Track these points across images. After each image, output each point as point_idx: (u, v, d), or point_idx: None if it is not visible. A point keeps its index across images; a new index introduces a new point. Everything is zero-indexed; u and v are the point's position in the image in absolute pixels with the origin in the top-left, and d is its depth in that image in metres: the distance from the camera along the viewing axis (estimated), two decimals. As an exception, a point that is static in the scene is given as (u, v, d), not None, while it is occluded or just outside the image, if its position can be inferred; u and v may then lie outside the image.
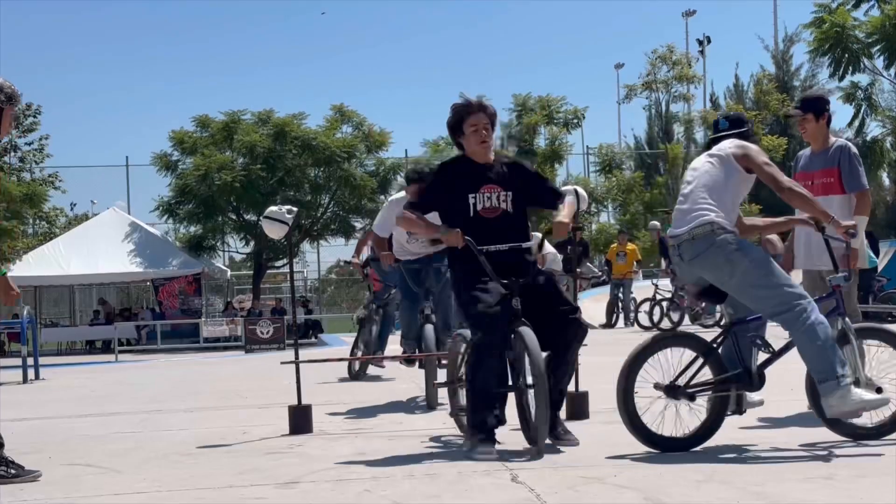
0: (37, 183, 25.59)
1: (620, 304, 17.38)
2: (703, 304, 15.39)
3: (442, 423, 5.64)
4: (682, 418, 4.52)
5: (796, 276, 5.17)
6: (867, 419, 4.53)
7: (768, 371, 4.63)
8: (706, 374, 4.55)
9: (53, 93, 74.50)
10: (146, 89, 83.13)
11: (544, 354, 4.54)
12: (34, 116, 25.97)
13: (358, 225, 27.37)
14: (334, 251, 40.59)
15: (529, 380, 4.55)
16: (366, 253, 9.26)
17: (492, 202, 4.82)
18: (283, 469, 4.36)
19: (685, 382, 4.52)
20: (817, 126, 5.66)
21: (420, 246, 6.81)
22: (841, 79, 22.22)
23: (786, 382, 7.09)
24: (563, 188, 5.32)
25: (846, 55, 21.45)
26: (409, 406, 6.36)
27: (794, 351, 4.46)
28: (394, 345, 8.36)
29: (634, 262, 17.74)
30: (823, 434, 4.69)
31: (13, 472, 4.30)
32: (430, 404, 6.45)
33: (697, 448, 4.47)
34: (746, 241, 4.71)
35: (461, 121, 4.94)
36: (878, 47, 21.50)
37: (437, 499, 3.66)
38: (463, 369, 5.04)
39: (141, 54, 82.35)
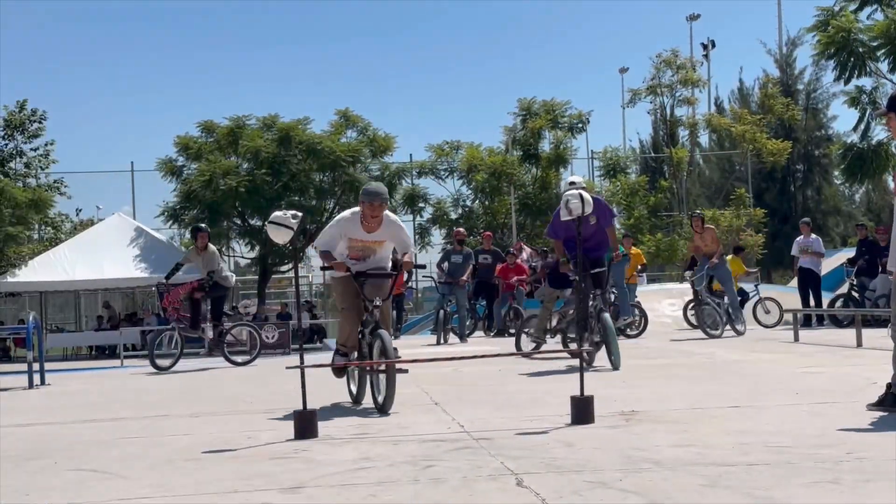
0: (42, 188, 25.63)
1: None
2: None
3: (447, 427, 5.64)
4: None
5: None
6: None
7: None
8: None
9: (59, 98, 74.69)
10: (151, 95, 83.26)
11: None
12: (39, 122, 26.03)
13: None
14: (339, 256, 40.55)
15: None
16: None
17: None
18: (289, 474, 4.37)
19: None
20: None
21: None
22: (846, 82, 22.18)
23: (791, 387, 7.09)
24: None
25: (851, 59, 21.42)
26: (414, 410, 6.36)
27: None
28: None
29: (638, 266, 17.74)
30: (829, 438, 4.69)
31: None
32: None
33: (701, 452, 4.46)
34: None
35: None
36: (882, 51, 21.47)
37: (441, 503, 3.67)
38: None
39: (146, 60, 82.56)
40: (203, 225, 14.67)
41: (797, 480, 3.79)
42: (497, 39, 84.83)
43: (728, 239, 30.11)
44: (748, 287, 17.87)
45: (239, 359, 13.44)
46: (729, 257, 18.65)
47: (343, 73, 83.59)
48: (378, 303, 6.71)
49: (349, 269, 6.82)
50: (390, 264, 7.26)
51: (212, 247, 13.35)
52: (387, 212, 6.99)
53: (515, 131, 31.13)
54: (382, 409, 6.28)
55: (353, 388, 7.10)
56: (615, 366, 8.94)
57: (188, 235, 28.12)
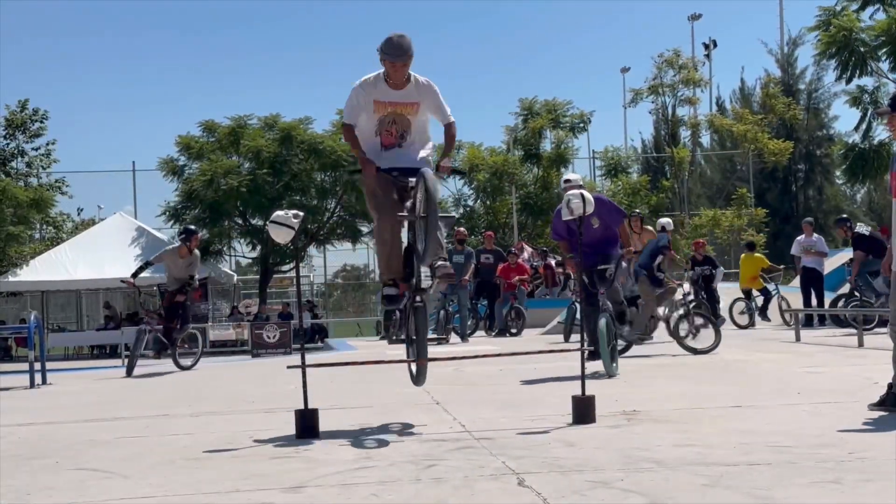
0: (44, 188, 25.66)
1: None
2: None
3: (448, 427, 5.64)
4: None
5: None
6: None
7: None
8: None
9: (60, 98, 74.72)
10: (153, 94, 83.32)
11: None
12: (41, 121, 26.06)
13: (365, 229, 27.34)
14: (341, 256, 40.59)
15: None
16: None
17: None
18: (290, 473, 4.37)
19: None
20: None
21: None
22: (848, 82, 22.20)
23: (792, 387, 7.09)
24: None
25: (853, 58, 21.45)
26: (415, 410, 6.36)
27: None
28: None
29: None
30: (830, 438, 4.69)
31: None
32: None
33: (702, 452, 4.46)
34: None
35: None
36: (884, 50, 21.49)
37: (443, 502, 3.67)
38: None
39: (147, 59, 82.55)
40: (194, 227, 14.82)
41: (798, 480, 3.79)
42: (498, 39, 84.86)
43: (729, 238, 30.12)
44: (770, 287, 17.97)
45: (187, 362, 13.43)
46: (744, 255, 18.88)
47: (345, 72, 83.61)
48: (413, 182, 5.52)
49: (378, 167, 5.69)
50: (430, 159, 6.00)
51: (196, 250, 13.42)
52: (416, 74, 5.80)
53: (517, 131, 31.15)
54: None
55: (414, 370, 5.95)
56: (610, 373, 8.47)
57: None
